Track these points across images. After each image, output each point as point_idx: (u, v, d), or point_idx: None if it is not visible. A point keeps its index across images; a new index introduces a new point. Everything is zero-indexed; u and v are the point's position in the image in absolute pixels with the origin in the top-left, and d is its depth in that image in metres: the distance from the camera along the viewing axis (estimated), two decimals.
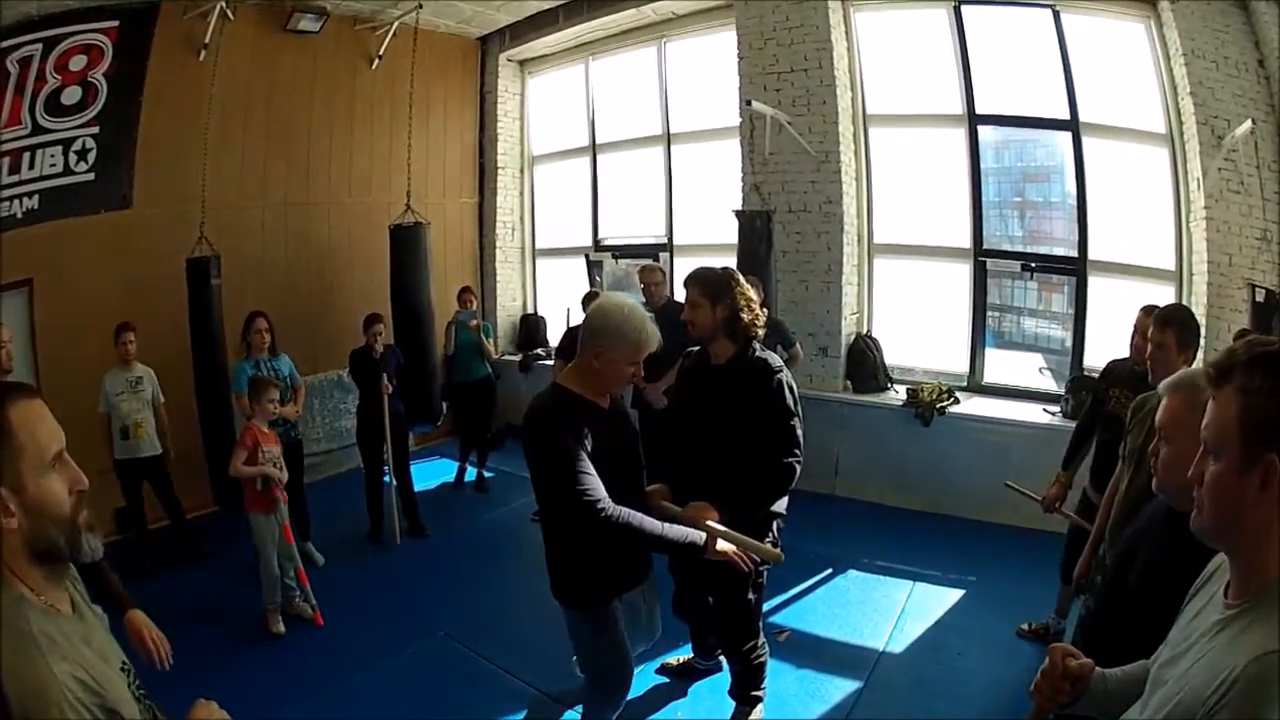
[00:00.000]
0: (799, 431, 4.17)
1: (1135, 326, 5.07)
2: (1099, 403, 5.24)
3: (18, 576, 1.67)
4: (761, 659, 4.70)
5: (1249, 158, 6.65)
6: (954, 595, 6.42)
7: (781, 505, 4.29)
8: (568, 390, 3.62)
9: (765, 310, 4.55)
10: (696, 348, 4.51)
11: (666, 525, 3.58)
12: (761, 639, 4.69)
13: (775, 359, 4.28)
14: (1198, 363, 4.12)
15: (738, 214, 8.41)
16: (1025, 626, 5.66)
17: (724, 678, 4.96)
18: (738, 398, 4.16)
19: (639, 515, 3.50)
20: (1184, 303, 6.71)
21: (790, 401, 4.15)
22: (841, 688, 5.16)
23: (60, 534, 1.72)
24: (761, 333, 4.34)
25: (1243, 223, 6.75)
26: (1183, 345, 4.14)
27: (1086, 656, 2.06)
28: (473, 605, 6.54)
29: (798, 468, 4.14)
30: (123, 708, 1.70)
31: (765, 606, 5.69)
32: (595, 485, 3.39)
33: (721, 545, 3.62)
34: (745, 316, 4.21)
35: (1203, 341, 4.88)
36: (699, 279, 4.30)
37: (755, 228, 8.16)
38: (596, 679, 4.00)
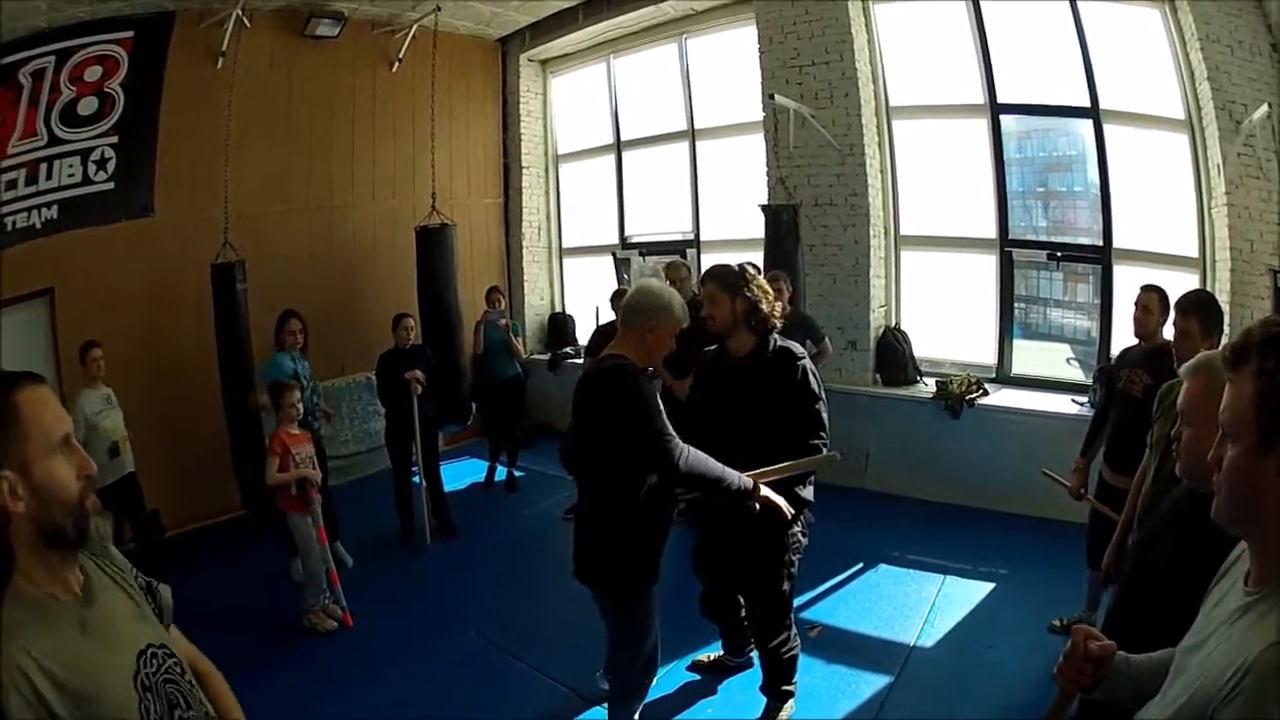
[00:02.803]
0: (824, 415, 4.28)
1: (1136, 303, 5.11)
2: (1111, 385, 5.27)
3: (19, 564, 1.66)
4: (794, 652, 4.72)
5: (1267, 142, 6.61)
6: (985, 588, 6.38)
7: (809, 493, 4.34)
8: (629, 360, 3.73)
9: (792, 305, 4.58)
10: (712, 347, 4.57)
11: (726, 468, 3.78)
12: (794, 631, 4.72)
13: (797, 347, 4.38)
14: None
15: (764, 208, 8.40)
16: (1058, 623, 5.58)
17: (754, 675, 4.97)
18: (765, 388, 4.23)
19: (706, 456, 3.73)
20: (1208, 290, 6.66)
21: (815, 386, 4.26)
22: (872, 683, 5.14)
23: (67, 518, 1.71)
24: (779, 324, 4.41)
25: (1263, 208, 6.71)
26: (1206, 331, 4.16)
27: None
28: (504, 605, 6.55)
29: (824, 450, 4.22)
30: (105, 695, 1.66)
31: (796, 602, 5.70)
32: (674, 434, 3.63)
33: (765, 491, 3.89)
34: (765, 308, 4.29)
35: (1226, 328, 4.84)
36: (716, 275, 4.37)
37: (782, 222, 8.14)
38: (629, 666, 4.02)
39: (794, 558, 4.44)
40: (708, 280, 4.39)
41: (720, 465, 3.77)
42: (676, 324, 3.82)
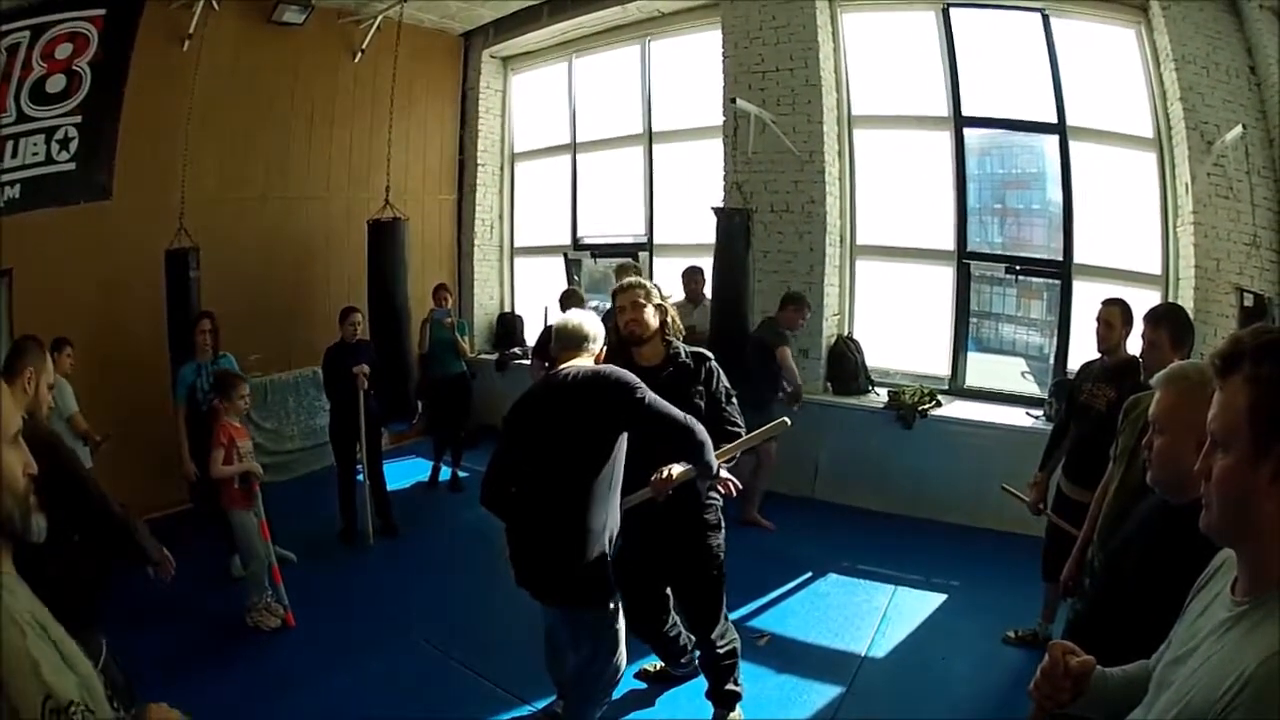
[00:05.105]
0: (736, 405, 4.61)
1: (1098, 317, 5.11)
2: (1072, 398, 5.26)
3: None
4: (734, 645, 4.73)
5: (1239, 163, 6.68)
6: (936, 600, 6.39)
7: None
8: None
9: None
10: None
11: None
12: (730, 624, 4.76)
13: (707, 351, 4.66)
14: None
15: (716, 211, 8.35)
16: (1012, 634, 5.60)
17: (696, 685, 4.96)
18: (685, 389, 4.35)
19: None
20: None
21: (728, 382, 4.59)
22: (824, 693, 5.11)
23: (16, 509, 1.69)
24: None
25: (1231, 228, 6.77)
26: (1176, 343, 4.17)
27: None
28: (446, 607, 6.48)
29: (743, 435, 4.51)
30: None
31: (744, 610, 5.70)
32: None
33: (723, 471, 4.14)
34: (675, 319, 4.59)
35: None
36: (639, 285, 4.54)
37: (733, 225, 8.09)
38: (600, 679, 4.02)
39: (722, 540, 4.58)
40: (630, 289, 4.50)
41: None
42: None
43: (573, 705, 4.25)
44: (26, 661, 1.53)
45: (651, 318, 4.42)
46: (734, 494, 4.35)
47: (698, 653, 4.82)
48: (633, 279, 4.66)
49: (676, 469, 4.04)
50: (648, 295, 4.44)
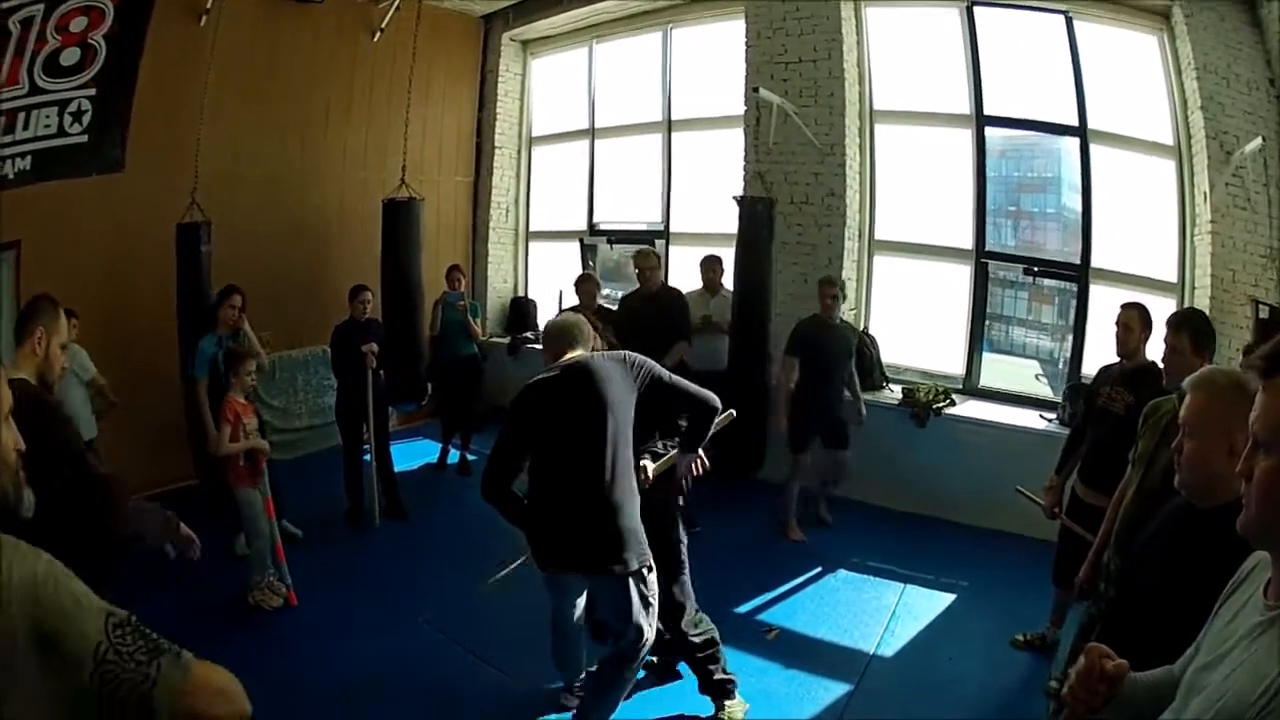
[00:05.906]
0: None
1: (1117, 321, 5.08)
2: (1090, 402, 5.23)
3: None
4: (709, 634, 4.73)
5: (1258, 175, 6.66)
6: (946, 599, 6.36)
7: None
8: None
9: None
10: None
11: None
12: (702, 614, 4.79)
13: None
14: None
15: (738, 200, 8.31)
16: (1020, 638, 5.58)
17: (680, 685, 5.03)
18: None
19: None
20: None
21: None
22: (832, 690, 5.10)
23: (9, 484, 1.75)
24: None
25: (1248, 239, 6.76)
26: (1198, 348, 4.13)
27: None
28: (453, 591, 6.41)
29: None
30: None
31: (752, 604, 5.68)
32: None
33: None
34: (613, 339, 5.10)
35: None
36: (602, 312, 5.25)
37: (756, 213, 8.03)
38: (640, 639, 4.15)
39: (681, 531, 4.86)
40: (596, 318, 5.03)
41: None
42: None
43: (596, 691, 4.37)
44: (79, 586, 1.54)
45: (605, 347, 4.71)
46: (701, 473, 4.69)
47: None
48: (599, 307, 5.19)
49: (650, 466, 4.41)
50: (601, 317, 5.05)
